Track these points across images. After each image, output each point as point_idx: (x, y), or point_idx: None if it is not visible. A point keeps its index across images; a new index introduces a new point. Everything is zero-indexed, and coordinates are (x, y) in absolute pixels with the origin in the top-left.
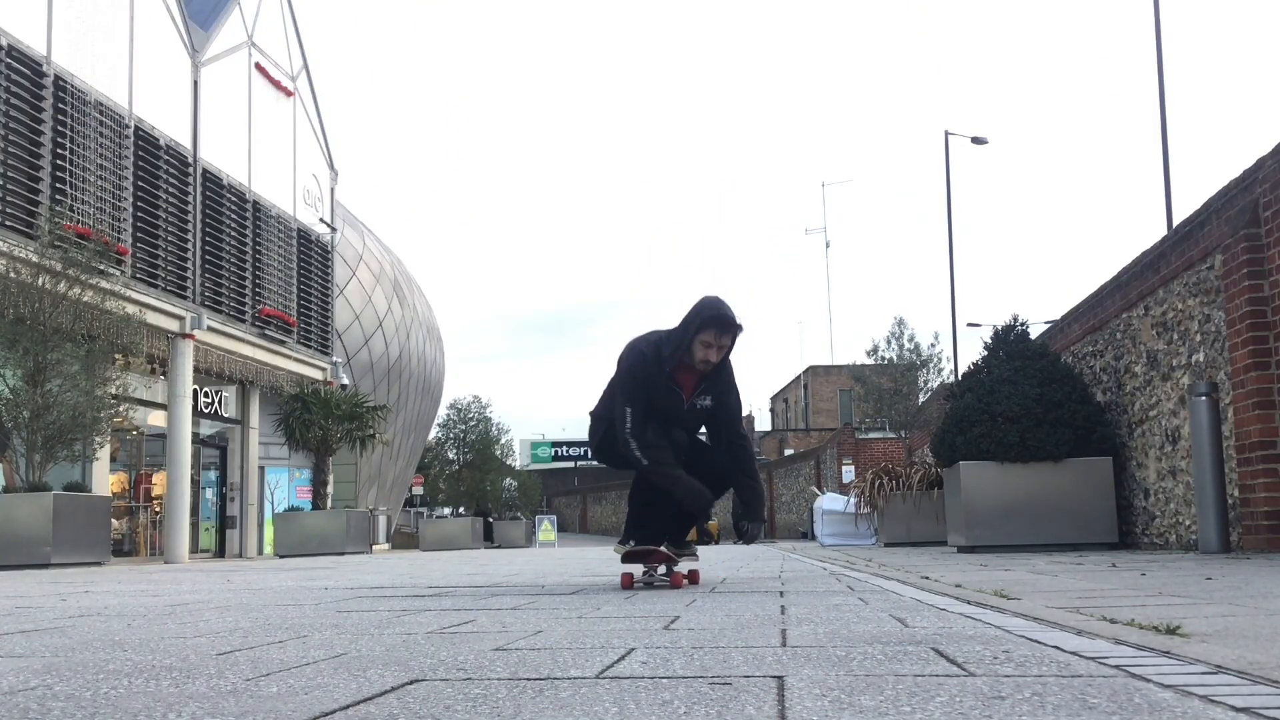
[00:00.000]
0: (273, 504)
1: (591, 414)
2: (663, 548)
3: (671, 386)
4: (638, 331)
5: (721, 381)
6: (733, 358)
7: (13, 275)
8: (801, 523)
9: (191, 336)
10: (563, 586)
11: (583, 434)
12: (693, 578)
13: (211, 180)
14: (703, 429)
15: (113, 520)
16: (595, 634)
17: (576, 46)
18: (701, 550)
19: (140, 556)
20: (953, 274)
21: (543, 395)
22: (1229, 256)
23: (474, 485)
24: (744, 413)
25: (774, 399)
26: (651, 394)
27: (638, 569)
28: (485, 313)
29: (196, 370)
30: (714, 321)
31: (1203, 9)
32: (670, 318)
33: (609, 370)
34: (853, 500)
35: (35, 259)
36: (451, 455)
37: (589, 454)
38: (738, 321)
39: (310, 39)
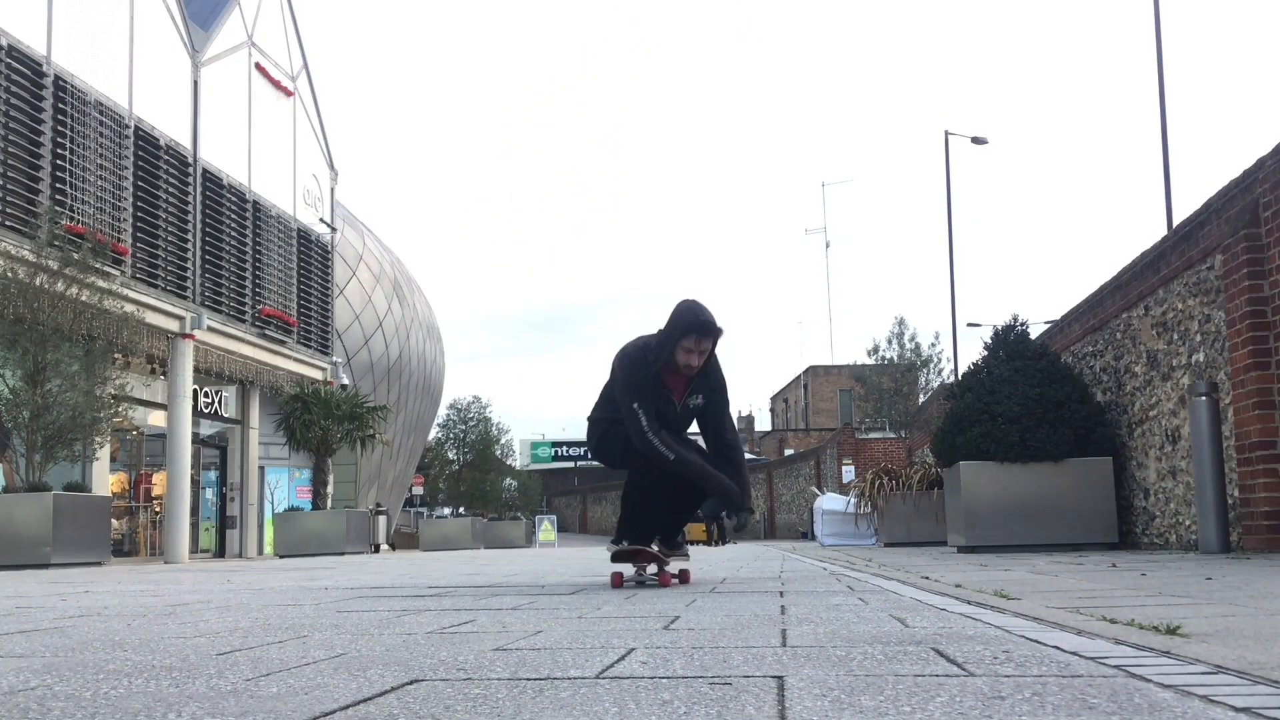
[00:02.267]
0: (273, 504)
1: (590, 419)
2: (653, 547)
3: (661, 390)
4: (635, 330)
5: (711, 380)
6: (722, 356)
7: (12, 275)
8: (801, 523)
9: (191, 336)
10: (563, 586)
11: (583, 434)
12: (683, 577)
13: (211, 180)
14: (694, 428)
15: (113, 520)
16: (595, 634)
17: (577, 47)
18: (702, 550)
19: (140, 556)
20: (953, 274)
21: (541, 394)
22: (1229, 256)
23: (474, 485)
24: (734, 411)
25: (774, 399)
26: (649, 397)
27: (628, 568)
28: (485, 312)
29: (196, 370)
30: (694, 328)
31: (1203, 9)
32: (665, 316)
33: (606, 369)
34: (853, 500)
35: (34, 258)
36: (451, 455)
37: (589, 454)
38: (717, 325)
39: (310, 39)
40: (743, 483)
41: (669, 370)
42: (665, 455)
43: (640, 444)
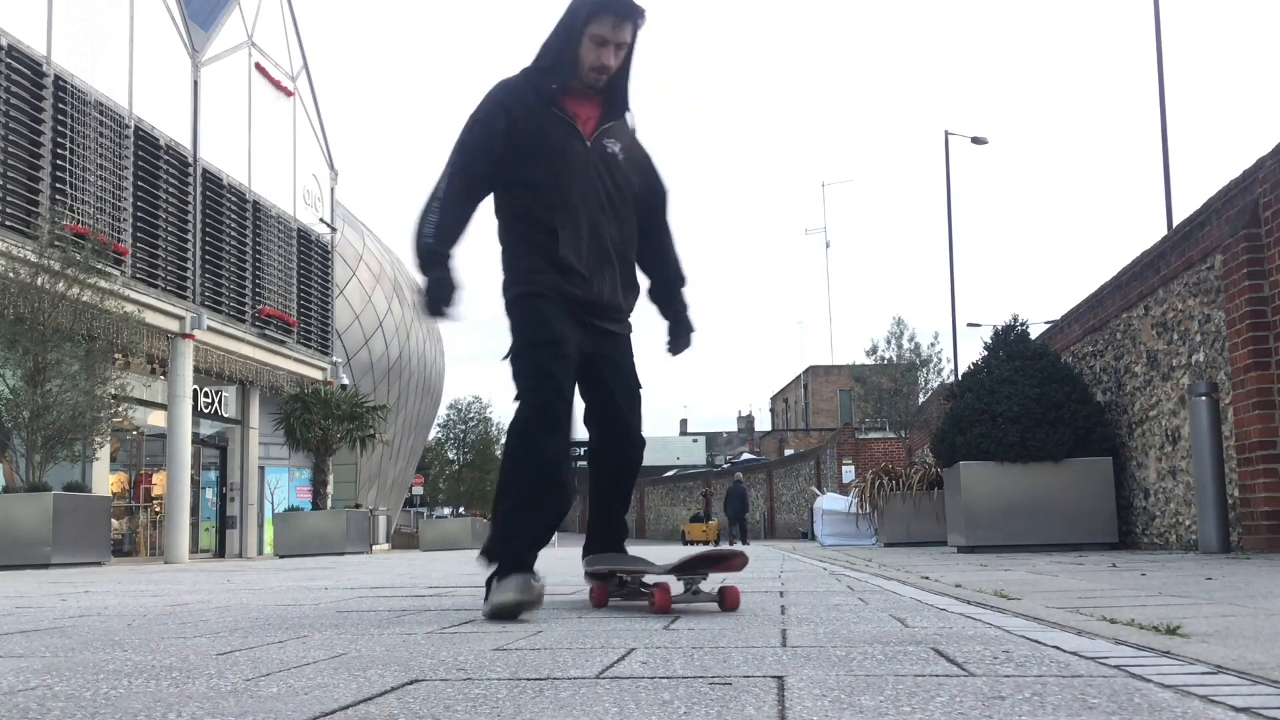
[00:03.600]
0: (272, 504)
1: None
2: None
3: (561, 118)
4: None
5: (630, 134)
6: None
7: (12, 275)
8: (801, 523)
9: (191, 336)
10: (562, 586)
11: (582, 434)
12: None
13: (211, 180)
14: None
15: (113, 520)
16: (595, 634)
17: None
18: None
19: (140, 556)
20: (953, 274)
21: None
22: (1229, 256)
23: (474, 485)
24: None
25: (774, 399)
26: (534, 140)
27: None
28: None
29: (196, 370)
30: (607, 5)
31: (1203, 9)
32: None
33: None
34: (853, 500)
35: (34, 259)
36: (451, 455)
37: (588, 455)
38: (639, 5)
39: (310, 39)
40: (675, 275)
41: (570, 92)
42: (426, 238)
43: (411, 237)
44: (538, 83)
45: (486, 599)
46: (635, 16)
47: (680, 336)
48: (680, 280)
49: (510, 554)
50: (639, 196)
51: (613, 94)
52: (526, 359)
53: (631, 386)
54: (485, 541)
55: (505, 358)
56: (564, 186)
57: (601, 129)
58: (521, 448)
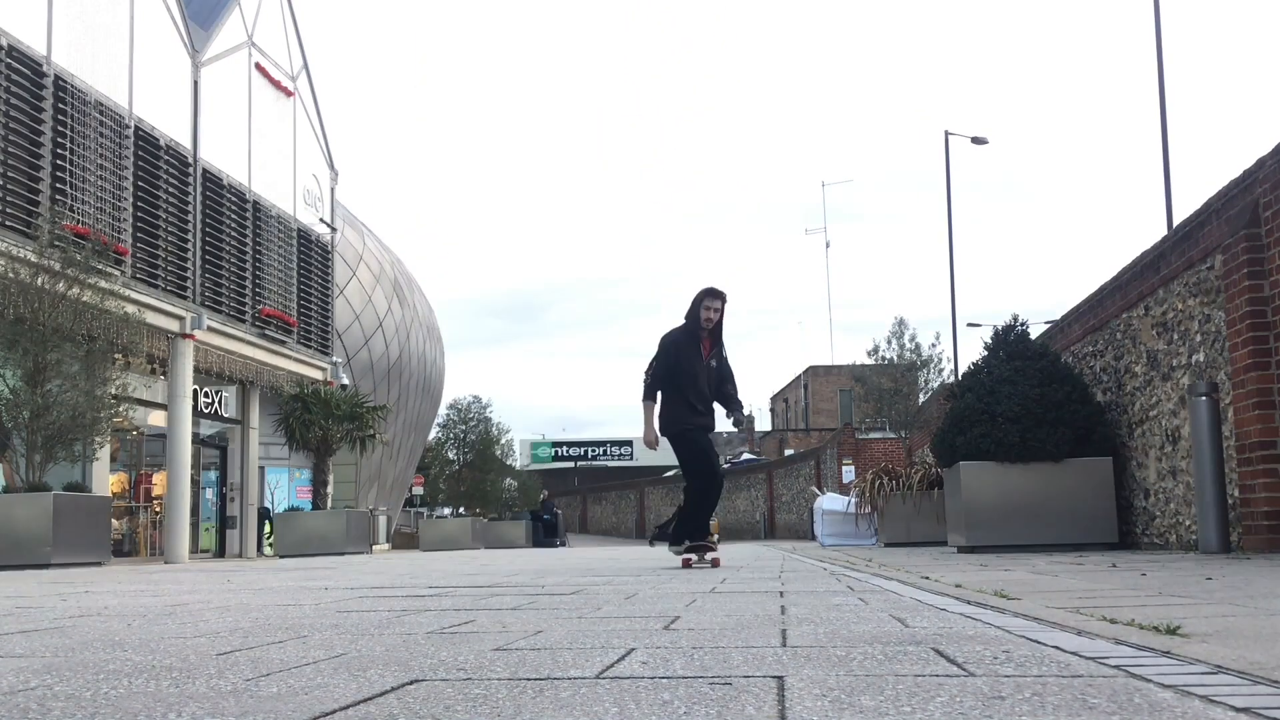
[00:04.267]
0: (272, 504)
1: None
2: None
3: (697, 346)
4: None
5: (721, 349)
6: (727, 341)
7: (12, 275)
8: (801, 523)
9: (191, 336)
10: (563, 586)
11: (582, 434)
12: (715, 562)
13: (211, 180)
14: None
15: (113, 520)
16: (595, 634)
17: (578, 47)
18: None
19: (140, 556)
20: (953, 274)
21: (539, 392)
22: (1229, 256)
23: (474, 485)
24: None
25: (774, 399)
26: (682, 358)
27: (693, 555)
28: (483, 310)
29: (196, 370)
30: (710, 293)
31: (1203, 9)
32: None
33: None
34: (853, 500)
35: (34, 259)
36: (451, 455)
37: (589, 454)
38: (723, 291)
39: (310, 39)
40: (736, 402)
41: (697, 339)
42: (649, 389)
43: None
44: (688, 330)
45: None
46: (723, 296)
47: (734, 414)
48: (736, 403)
49: (677, 536)
50: (721, 377)
51: (715, 334)
52: (684, 446)
53: (715, 451)
54: (661, 530)
55: (679, 463)
56: (693, 380)
57: (711, 354)
58: (693, 488)
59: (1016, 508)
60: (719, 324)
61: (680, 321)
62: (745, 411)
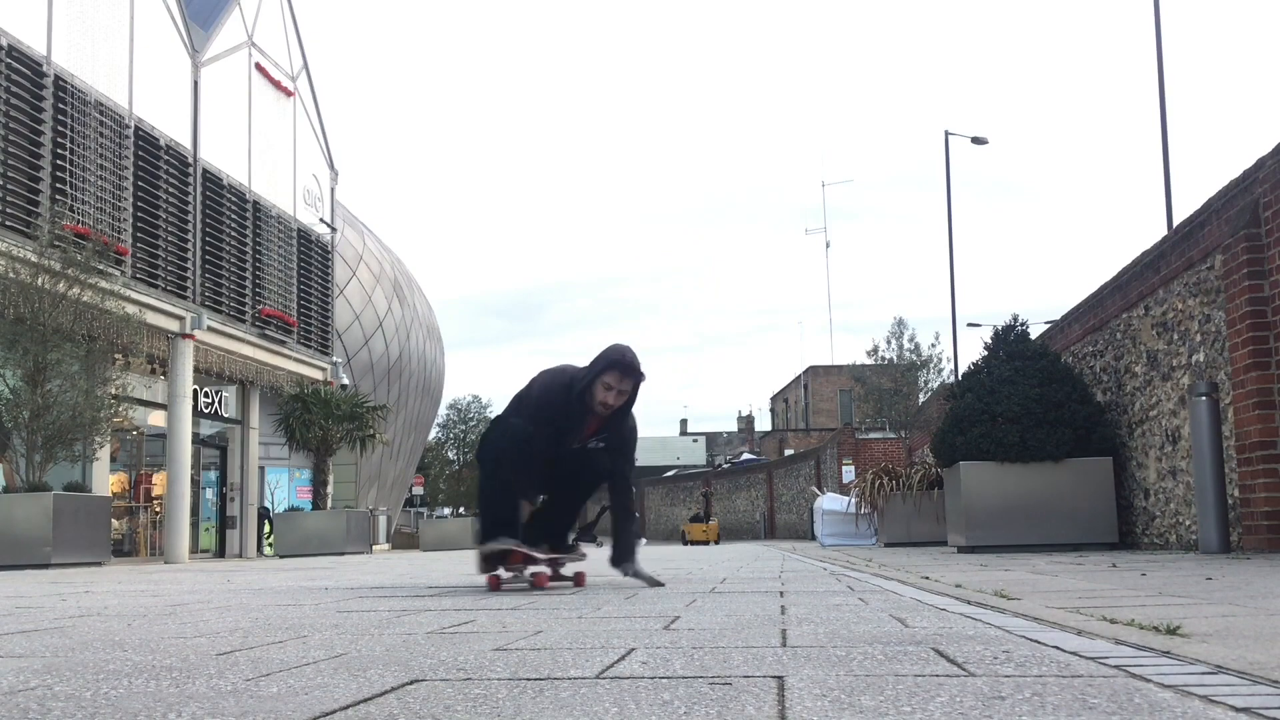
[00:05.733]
0: (272, 504)
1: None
2: (541, 547)
3: (583, 417)
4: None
5: (621, 434)
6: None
7: (12, 275)
8: (801, 523)
9: (191, 336)
10: (563, 586)
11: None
12: (578, 579)
13: (211, 180)
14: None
15: (113, 520)
16: (595, 634)
17: (578, 47)
18: (701, 550)
19: (140, 556)
20: (953, 274)
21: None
22: (1229, 256)
23: (474, 485)
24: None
25: (774, 399)
26: (558, 419)
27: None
28: (483, 310)
29: (196, 370)
30: (618, 365)
31: (1203, 9)
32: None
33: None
34: (853, 500)
35: (35, 259)
36: (451, 455)
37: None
38: (640, 370)
39: (310, 39)
40: (631, 535)
41: (585, 410)
42: (499, 440)
43: (495, 424)
44: (572, 396)
45: None
46: (636, 378)
47: (619, 560)
48: (625, 498)
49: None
50: (602, 456)
51: (618, 421)
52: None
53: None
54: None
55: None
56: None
57: (598, 435)
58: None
59: (1016, 508)
60: (622, 410)
61: (572, 364)
62: (644, 542)
